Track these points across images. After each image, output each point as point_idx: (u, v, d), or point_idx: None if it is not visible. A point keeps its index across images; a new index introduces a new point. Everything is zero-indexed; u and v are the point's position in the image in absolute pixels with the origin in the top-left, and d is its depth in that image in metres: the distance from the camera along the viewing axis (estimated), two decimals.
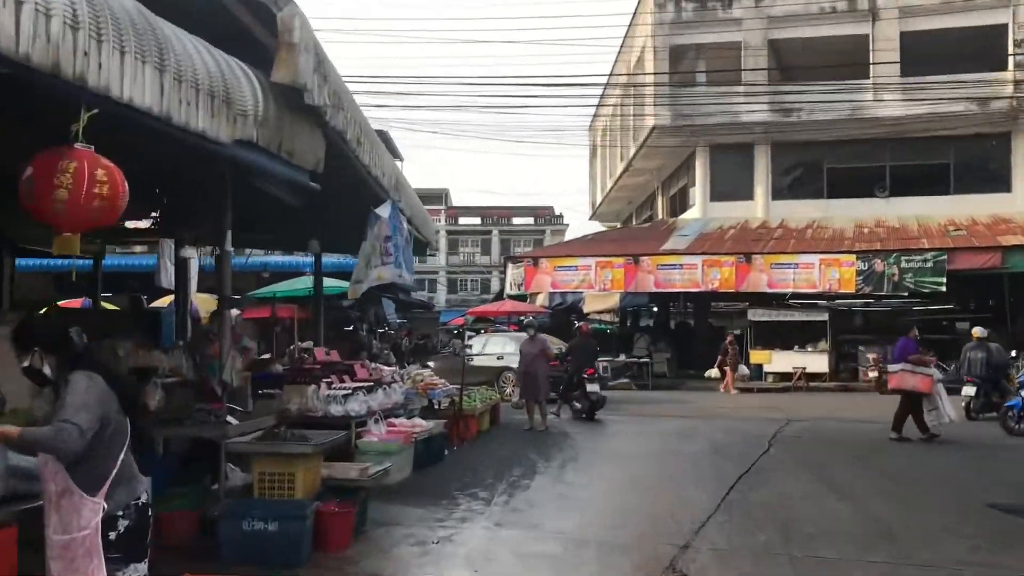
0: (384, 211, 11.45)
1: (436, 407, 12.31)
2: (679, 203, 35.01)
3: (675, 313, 39.03)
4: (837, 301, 29.70)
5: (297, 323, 18.69)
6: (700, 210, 31.31)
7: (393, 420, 10.45)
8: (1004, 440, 13.86)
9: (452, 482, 9.76)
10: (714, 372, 24.71)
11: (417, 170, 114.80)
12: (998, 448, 13.16)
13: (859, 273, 24.67)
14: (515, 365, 20.19)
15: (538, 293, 26.95)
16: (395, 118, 62.74)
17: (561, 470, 10.70)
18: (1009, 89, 28.54)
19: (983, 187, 29.50)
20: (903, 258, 24.40)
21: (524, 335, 16.06)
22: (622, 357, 26.88)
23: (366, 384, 10.44)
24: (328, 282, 20.04)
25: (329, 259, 26.58)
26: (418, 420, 10.58)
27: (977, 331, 16.19)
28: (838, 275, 24.84)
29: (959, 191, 29.65)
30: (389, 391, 10.69)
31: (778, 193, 31.08)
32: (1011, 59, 28.53)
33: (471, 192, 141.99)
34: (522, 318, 37.25)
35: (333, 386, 10.17)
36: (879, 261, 24.57)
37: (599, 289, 26.36)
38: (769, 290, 25.60)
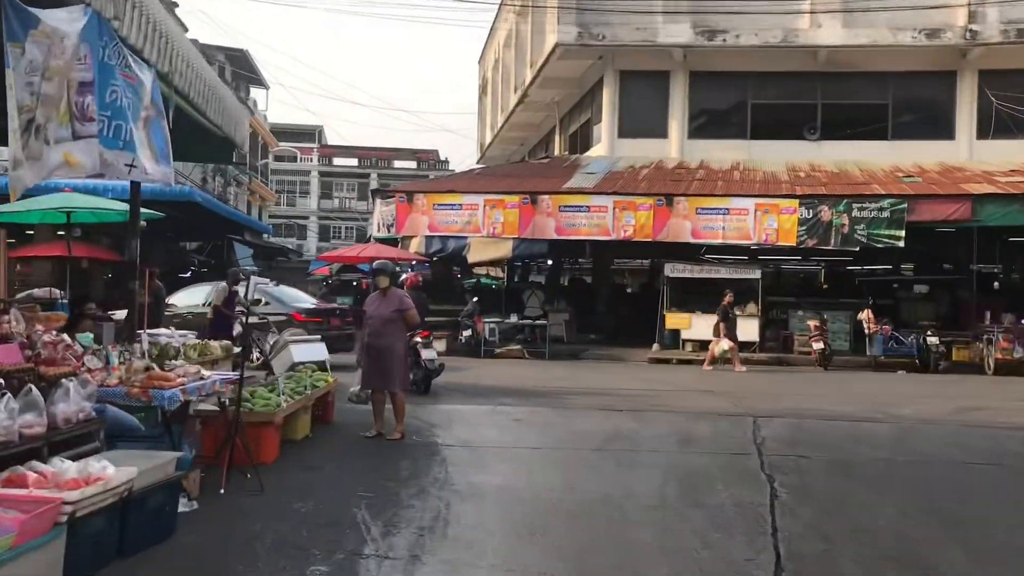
0: (62, 21, 5.52)
1: (169, 414, 6.37)
2: (580, 142, 29.55)
3: (568, 268, 33.82)
4: (760, 257, 24.99)
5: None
6: (606, 148, 25.94)
7: (36, 469, 4.55)
8: None
9: None
10: (724, 344, 18.31)
11: (287, 101, 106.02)
12: None
13: (801, 222, 19.73)
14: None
15: (412, 237, 21.06)
16: None
17: (412, 567, 5.01)
18: (962, 19, 24.04)
19: (924, 133, 25.13)
20: (855, 206, 19.55)
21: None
22: (513, 318, 21.35)
23: None
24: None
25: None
26: (96, 467, 4.66)
27: None
28: (776, 224, 19.83)
29: (898, 136, 25.19)
30: (33, 399, 4.75)
31: (695, 131, 25.95)
32: None
33: (351, 121, 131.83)
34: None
35: None
36: (826, 209, 19.66)
37: (488, 234, 20.64)
38: (694, 240, 20.42)
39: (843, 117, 25.44)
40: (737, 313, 20.56)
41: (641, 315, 24.53)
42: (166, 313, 16.25)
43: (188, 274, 30.15)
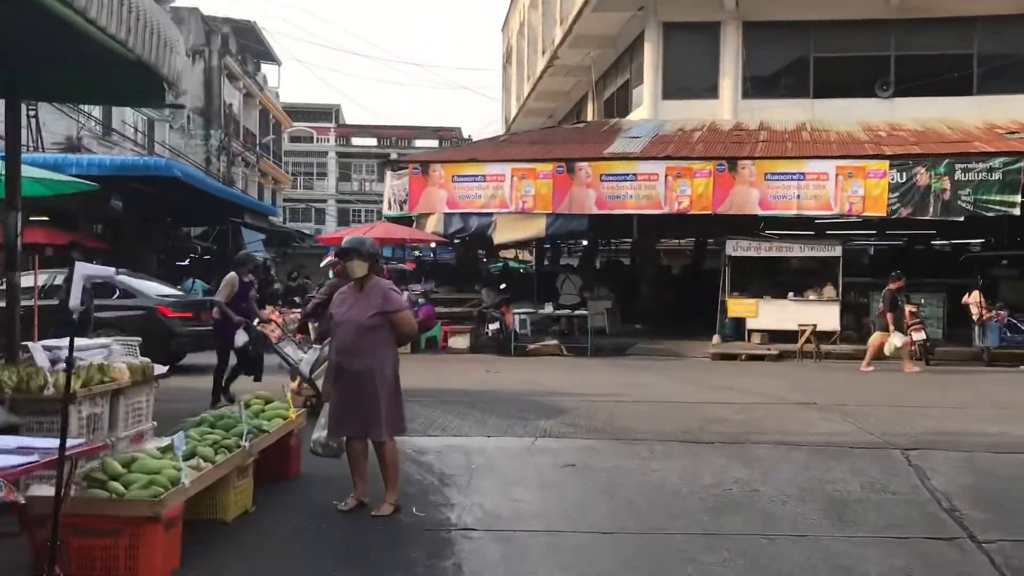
0: None
1: None
2: (618, 108, 26.02)
3: (603, 249, 30.43)
4: (827, 232, 21.44)
5: None
6: (649, 111, 22.45)
7: None
8: None
9: None
10: (895, 340, 14.19)
11: (303, 80, 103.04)
12: None
13: (893, 188, 16.20)
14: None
15: (429, 215, 17.77)
16: None
17: None
18: None
19: (1016, 86, 21.35)
20: (958, 166, 15.98)
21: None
22: (547, 308, 17.97)
23: None
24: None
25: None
26: None
27: None
28: (863, 191, 16.30)
29: (985, 91, 21.48)
30: None
31: (750, 90, 22.34)
32: None
33: (370, 94, 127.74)
34: (412, 250, 27.84)
35: None
36: (923, 171, 16.10)
37: (516, 209, 17.28)
38: (761, 212, 16.96)
39: (920, 70, 21.73)
40: (812, 298, 17.16)
41: (689, 301, 21.27)
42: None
43: (186, 262, 27.15)
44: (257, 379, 10.39)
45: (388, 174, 18.49)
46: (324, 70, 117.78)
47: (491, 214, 17.37)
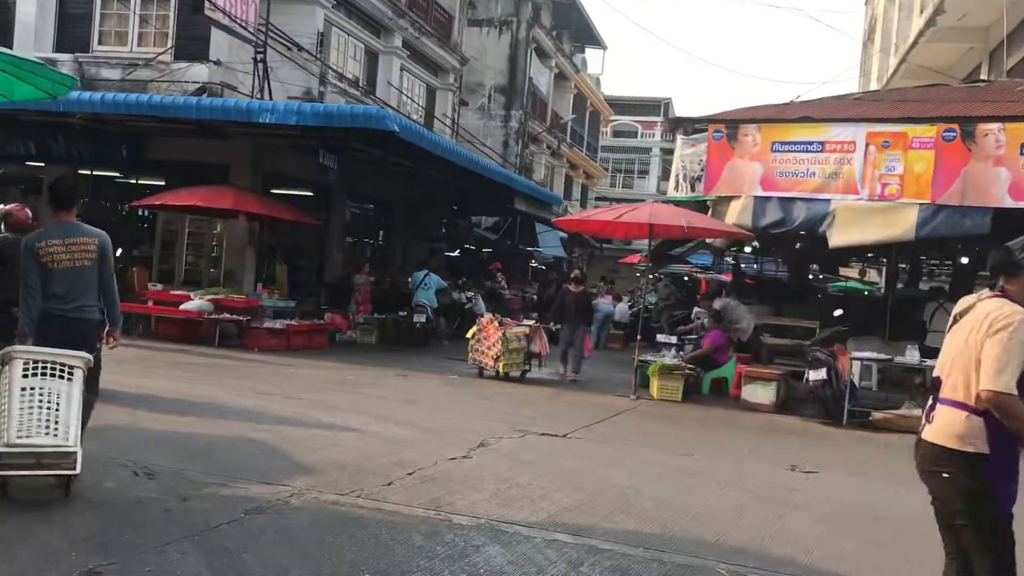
0: None
1: None
2: None
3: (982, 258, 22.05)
4: None
5: None
6: None
7: None
8: None
9: None
10: None
11: (630, 69, 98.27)
12: None
13: None
14: None
15: (732, 199, 11.75)
16: None
17: None
18: None
19: None
20: None
21: None
22: (910, 353, 11.04)
23: None
24: None
25: None
26: None
27: None
28: None
29: None
30: None
31: None
32: None
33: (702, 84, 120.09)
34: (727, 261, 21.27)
35: None
36: None
37: (872, 195, 10.76)
38: None
39: None
40: None
41: None
42: None
43: (456, 251, 23.27)
44: None
45: (679, 140, 12.71)
46: (650, 56, 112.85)
47: (828, 200, 11.00)
